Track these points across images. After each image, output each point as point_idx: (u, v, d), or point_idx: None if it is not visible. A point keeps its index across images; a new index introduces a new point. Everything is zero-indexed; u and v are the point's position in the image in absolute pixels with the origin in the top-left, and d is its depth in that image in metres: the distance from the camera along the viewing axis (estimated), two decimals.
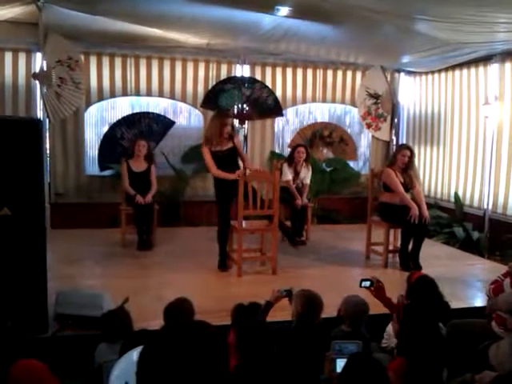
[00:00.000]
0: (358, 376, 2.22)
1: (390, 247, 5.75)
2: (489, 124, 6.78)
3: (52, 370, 2.30)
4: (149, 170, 6.23)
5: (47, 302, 3.55)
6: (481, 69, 6.90)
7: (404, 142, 8.46)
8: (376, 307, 3.34)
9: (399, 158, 5.44)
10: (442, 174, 7.69)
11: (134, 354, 1.27)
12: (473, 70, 7.03)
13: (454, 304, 3.76)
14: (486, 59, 6.68)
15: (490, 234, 6.63)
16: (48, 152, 7.08)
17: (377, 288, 3.02)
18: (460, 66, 7.10)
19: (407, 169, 5.47)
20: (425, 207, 5.30)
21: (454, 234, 6.65)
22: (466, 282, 5.07)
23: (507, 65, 6.47)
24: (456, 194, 7.26)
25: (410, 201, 5.26)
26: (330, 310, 3.27)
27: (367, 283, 3.06)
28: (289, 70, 8.01)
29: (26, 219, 3.39)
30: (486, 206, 6.82)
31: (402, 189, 5.34)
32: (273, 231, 5.14)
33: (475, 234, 6.61)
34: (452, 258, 5.83)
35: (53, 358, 2.81)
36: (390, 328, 3.21)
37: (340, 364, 2.47)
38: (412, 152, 5.54)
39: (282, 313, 3.35)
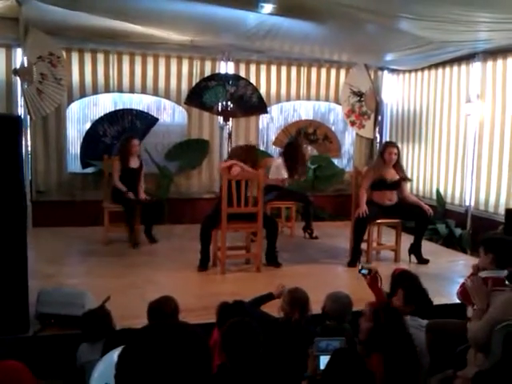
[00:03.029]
0: (341, 371, 2.23)
1: (374, 244, 5.79)
2: (471, 122, 6.84)
3: (33, 371, 2.26)
4: (141, 166, 6.25)
5: (28, 301, 3.50)
6: (463, 67, 6.95)
7: (387, 139, 8.51)
8: (361, 303, 3.34)
9: (386, 157, 5.48)
10: (423, 171, 7.75)
11: (115, 355, 1.24)
12: (455, 68, 7.08)
13: (437, 300, 3.80)
14: (468, 58, 6.74)
15: (473, 231, 6.69)
16: (29, 149, 6.98)
17: (373, 278, 3.04)
18: (443, 64, 7.15)
19: (395, 166, 5.52)
20: (423, 203, 5.57)
21: (437, 231, 6.71)
22: (449, 278, 5.11)
23: (489, 63, 6.54)
24: (438, 191, 7.33)
25: (362, 201, 5.37)
26: (315, 307, 3.28)
27: (366, 271, 3.09)
28: (273, 68, 7.99)
29: (6, 217, 3.33)
30: (467, 203, 6.90)
31: (363, 190, 5.45)
32: (257, 229, 5.14)
33: (458, 231, 6.68)
34: (435, 254, 5.87)
35: (34, 358, 2.77)
36: None
37: (323, 361, 2.48)
38: (398, 149, 5.62)
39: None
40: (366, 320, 2.91)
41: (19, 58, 6.72)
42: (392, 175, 5.51)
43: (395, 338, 2.66)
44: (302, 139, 7.95)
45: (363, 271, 3.12)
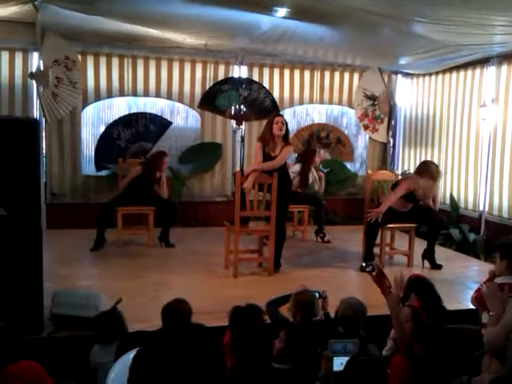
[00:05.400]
0: (358, 377, 2.23)
1: (387, 249, 5.76)
2: (485, 126, 6.79)
3: (47, 371, 2.28)
4: (160, 177, 6.24)
5: (43, 303, 3.54)
6: (477, 71, 6.91)
7: (400, 143, 8.49)
8: (374, 308, 3.33)
9: (427, 192, 5.43)
10: None
11: (131, 357, 1.25)
12: (470, 72, 7.03)
13: (451, 305, 3.76)
14: (483, 61, 6.69)
15: (486, 236, 6.63)
16: (44, 152, 7.05)
17: (378, 274, 3.02)
18: (457, 68, 7.11)
19: None
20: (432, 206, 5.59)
21: (451, 236, 6.65)
22: (463, 283, 5.07)
23: (504, 67, 6.48)
24: (451, 196, 7.27)
25: (386, 206, 5.34)
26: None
27: (370, 268, 3.08)
28: (286, 71, 8.00)
29: (22, 219, 3.37)
30: (481, 208, 6.84)
31: (397, 197, 5.39)
32: (270, 232, 5.14)
33: (471, 236, 6.62)
34: (448, 259, 5.83)
35: (48, 359, 2.79)
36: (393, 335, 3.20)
37: (337, 362, 2.48)
38: None
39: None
40: (406, 320, 2.92)
41: (35, 61, 6.82)
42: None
43: (437, 336, 2.72)
44: (316, 145, 7.98)
45: (368, 268, 3.10)
